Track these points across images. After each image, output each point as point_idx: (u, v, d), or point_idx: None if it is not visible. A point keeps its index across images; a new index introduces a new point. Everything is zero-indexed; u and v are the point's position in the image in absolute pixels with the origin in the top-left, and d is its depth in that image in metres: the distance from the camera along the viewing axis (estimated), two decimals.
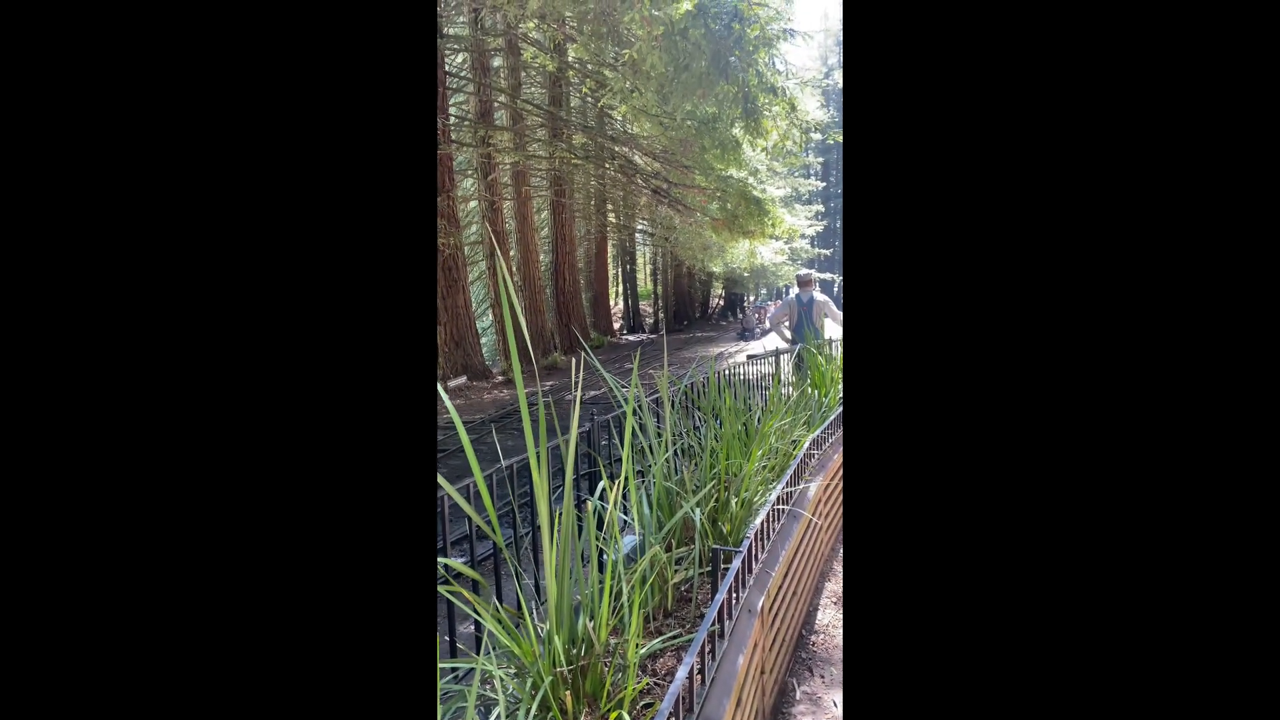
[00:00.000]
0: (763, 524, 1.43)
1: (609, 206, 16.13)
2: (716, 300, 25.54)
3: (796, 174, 18.16)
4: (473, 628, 1.81)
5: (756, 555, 1.37)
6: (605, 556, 1.21)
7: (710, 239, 11.33)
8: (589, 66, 8.02)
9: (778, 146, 6.49)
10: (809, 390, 3.04)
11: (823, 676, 1.67)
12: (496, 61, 10.79)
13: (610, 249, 18.84)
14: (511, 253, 11.70)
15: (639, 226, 18.17)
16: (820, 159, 29.66)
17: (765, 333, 14.58)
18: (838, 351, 3.60)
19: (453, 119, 9.25)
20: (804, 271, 4.41)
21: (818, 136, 6.79)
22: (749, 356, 4.14)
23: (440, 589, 1.05)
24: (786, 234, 9.94)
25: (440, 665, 1.01)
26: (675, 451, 1.82)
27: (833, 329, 4.31)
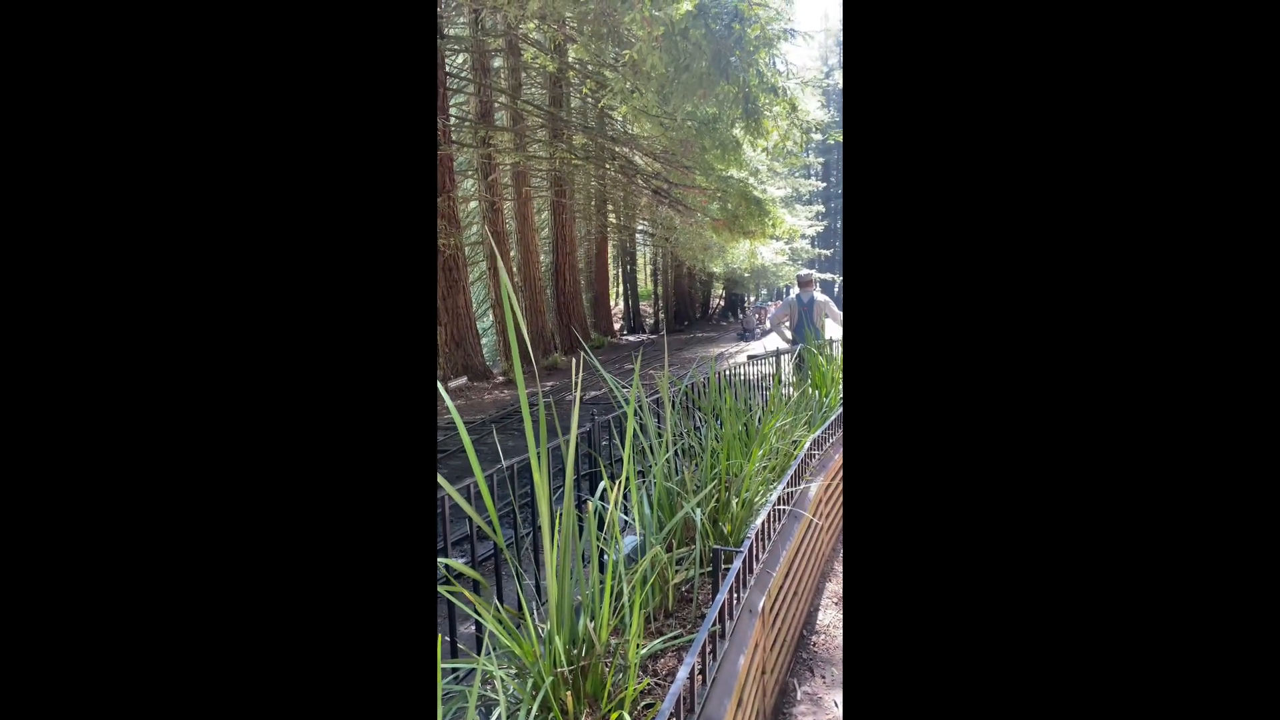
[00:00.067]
0: (763, 524, 1.43)
1: (609, 207, 16.13)
2: (717, 301, 25.54)
3: (797, 174, 18.16)
4: (473, 628, 1.81)
5: (757, 555, 1.37)
6: (606, 557, 1.21)
7: (711, 239, 11.33)
8: (589, 67, 8.02)
9: (778, 147, 6.49)
10: (809, 390, 3.04)
11: (824, 677, 1.66)
12: (497, 62, 10.80)
13: (611, 249, 18.84)
14: (512, 253, 11.70)
15: (639, 227, 18.17)
16: (820, 159, 29.65)
17: (766, 333, 14.58)
18: (838, 352, 3.60)
19: (453, 119, 9.26)
20: (804, 272, 4.41)
21: (818, 137, 6.79)
22: (749, 357, 4.14)
23: (441, 589, 1.05)
24: (787, 234, 9.94)
25: (441, 666, 1.01)
26: (676, 452, 1.82)
27: (833, 329, 4.31)
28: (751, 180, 8.02)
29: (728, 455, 1.67)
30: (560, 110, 11.09)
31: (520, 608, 1.13)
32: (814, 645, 1.82)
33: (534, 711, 0.93)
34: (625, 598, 1.16)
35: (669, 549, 1.50)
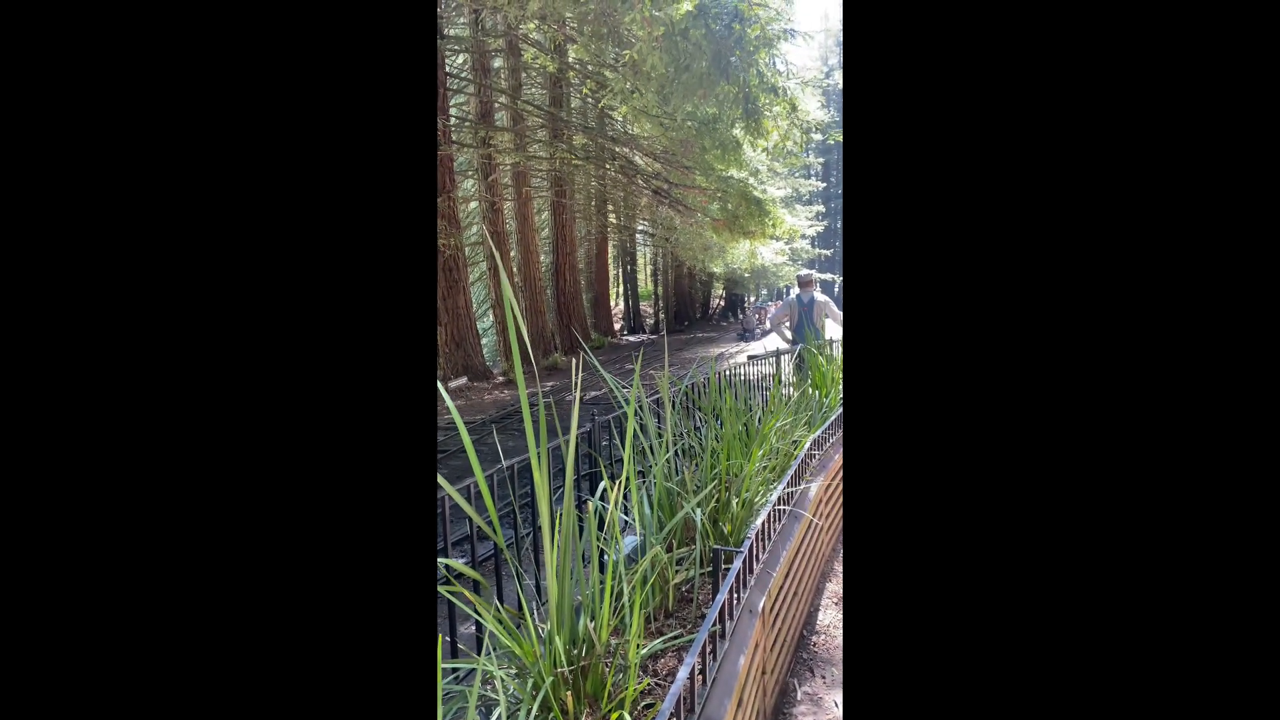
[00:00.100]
0: (764, 524, 1.43)
1: (609, 207, 16.13)
2: (717, 301, 25.54)
3: (797, 174, 18.16)
4: (474, 628, 1.81)
5: (757, 556, 1.37)
6: (606, 557, 1.21)
7: (711, 239, 11.33)
8: (589, 67, 8.02)
9: (778, 147, 6.49)
10: (809, 390, 3.04)
11: (824, 677, 1.66)
12: (497, 62, 10.80)
13: (611, 249, 18.84)
14: (512, 253, 11.71)
15: (639, 227, 18.17)
16: (821, 159, 29.64)
17: (766, 333, 14.58)
18: (838, 352, 3.60)
19: (453, 120, 9.26)
20: (804, 272, 4.41)
21: (818, 137, 6.79)
22: (750, 357, 4.14)
23: (441, 589, 1.05)
24: (787, 234, 9.94)
25: (441, 666, 1.01)
26: (676, 452, 1.82)
27: (833, 329, 4.31)
28: (752, 180, 8.02)
29: (728, 455, 1.67)
30: (560, 110, 11.09)
31: (520, 608, 1.13)
32: (814, 645, 1.82)
33: (534, 711, 0.93)
34: (625, 598, 1.16)
35: (669, 549, 1.50)
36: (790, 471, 1.76)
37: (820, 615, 1.97)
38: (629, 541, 1.57)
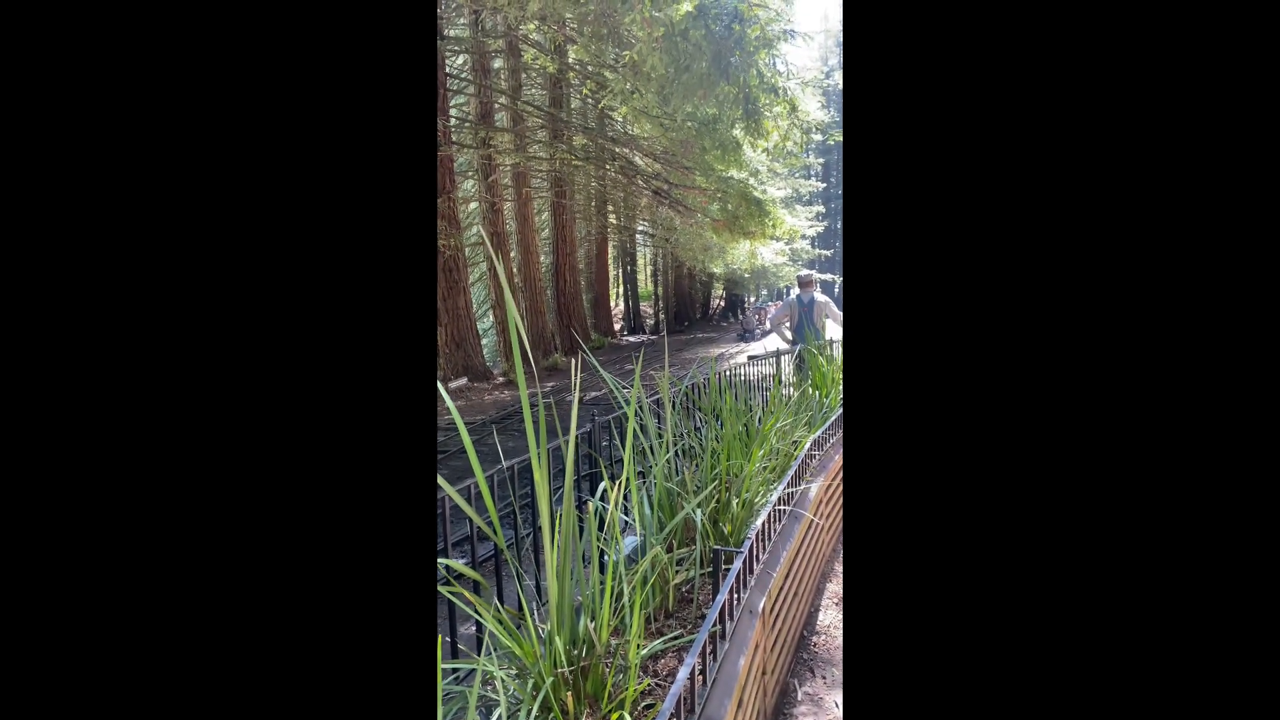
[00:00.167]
0: (764, 525, 1.43)
1: (610, 208, 16.13)
2: (717, 301, 25.54)
3: (797, 175, 18.15)
4: (474, 629, 1.81)
5: (757, 556, 1.37)
6: (606, 557, 1.21)
7: (711, 240, 11.33)
8: (589, 68, 8.03)
9: (778, 147, 6.49)
10: (810, 391, 3.04)
11: (824, 677, 1.66)
12: (497, 63, 10.80)
13: (611, 250, 18.84)
14: (512, 254, 11.71)
15: (640, 228, 18.17)
16: (821, 160, 29.65)
17: (766, 334, 14.57)
18: (838, 352, 3.60)
19: (453, 120, 9.26)
20: (804, 272, 4.41)
21: (818, 137, 6.79)
22: (750, 357, 4.14)
23: (441, 589, 1.05)
24: (787, 235, 9.94)
25: (441, 666, 1.01)
26: (676, 452, 1.82)
27: (833, 330, 4.31)
28: (752, 181, 8.02)
29: (728, 456, 1.67)
30: (560, 111, 11.10)
31: (521, 608, 1.13)
32: (814, 646, 1.82)
33: (534, 712, 0.93)
34: (625, 598, 1.16)
35: (669, 549, 1.50)
36: (790, 472, 1.76)
37: (820, 615, 1.97)
38: (629, 542, 1.57)
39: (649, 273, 25.12)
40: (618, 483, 1.29)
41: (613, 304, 19.30)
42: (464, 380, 8.53)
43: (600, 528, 1.43)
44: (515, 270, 11.52)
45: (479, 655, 1.06)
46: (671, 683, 1.10)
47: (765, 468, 1.84)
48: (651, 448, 1.61)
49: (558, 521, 1.07)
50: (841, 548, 2.40)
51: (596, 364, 1.61)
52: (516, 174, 11.21)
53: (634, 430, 1.37)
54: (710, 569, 1.39)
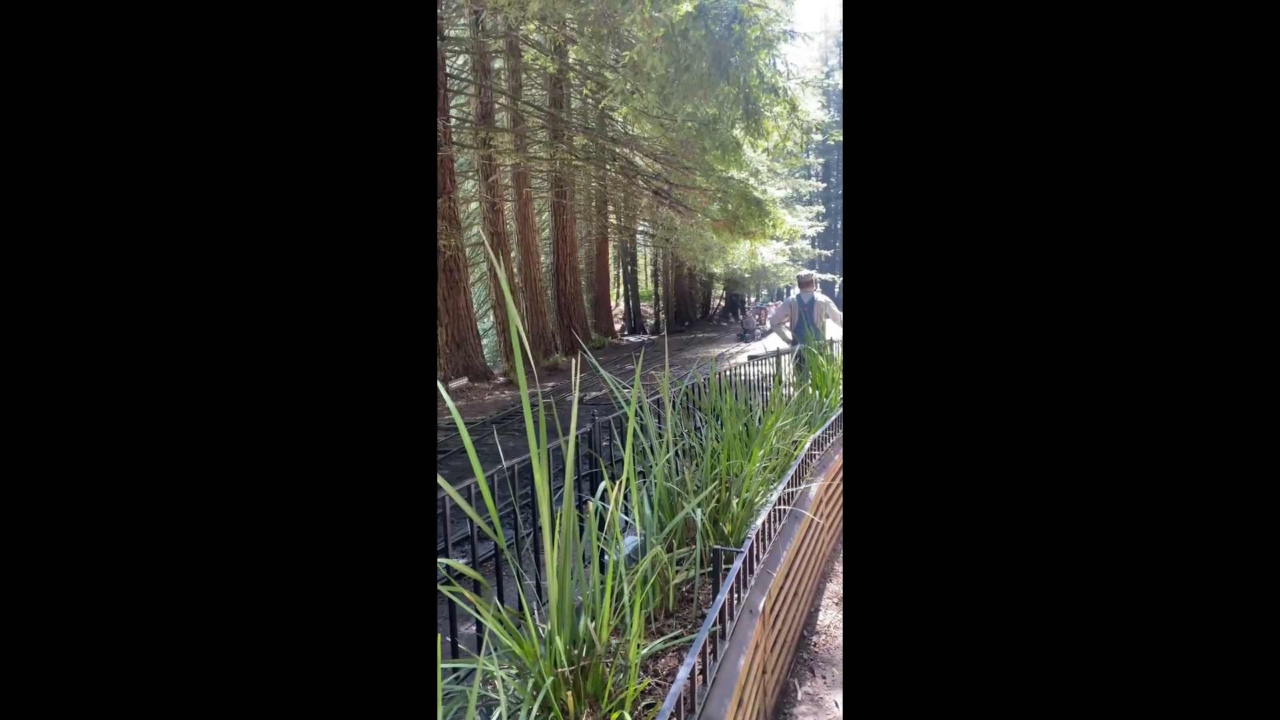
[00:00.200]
0: (764, 524, 1.43)
1: (610, 208, 16.14)
2: (717, 301, 25.54)
3: (797, 175, 18.15)
4: (474, 628, 1.81)
5: (758, 556, 1.37)
6: (606, 557, 1.21)
7: (711, 240, 11.33)
8: (590, 68, 8.03)
9: (778, 147, 6.49)
10: (810, 391, 3.04)
11: (824, 677, 1.66)
12: (497, 63, 10.80)
13: (611, 250, 18.85)
14: (513, 254, 11.71)
15: (640, 228, 18.18)
16: (821, 160, 29.65)
17: (766, 334, 14.57)
18: (838, 352, 3.60)
19: (454, 121, 9.27)
20: (805, 272, 4.41)
21: (818, 137, 6.79)
22: (750, 357, 4.14)
23: (442, 589, 1.05)
24: (787, 235, 9.94)
25: (442, 666, 1.01)
26: (676, 452, 1.82)
27: (833, 330, 4.31)
28: (752, 181, 8.02)
29: (728, 455, 1.67)
30: (561, 111, 11.10)
31: (521, 608, 1.13)
32: (814, 646, 1.82)
33: (534, 711, 0.94)
34: (626, 598, 1.16)
35: (669, 549, 1.50)
36: (790, 472, 1.76)
37: (820, 615, 1.97)
38: (629, 542, 1.57)
39: (649, 273, 25.13)
40: (618, 482, 1.29)
41: (613, 304, 19.30)
42: (464, 380, 8.53)
43: (600, 527, 1.43)
44: (516, 270, 11.53)
45: (479, 655, 1.07)
46: (671, 682, 1.10)
47: (765, 467, 1.84)
48: (652, 447, 1.61)
49: (558, 521, 1.07)
50: (841, 548, 2.40)
51: (597, 364, 1.61)
52: (517, 174, 11.21)
53: (634, 430, 1.37)
54: (710, 569, 1.39)
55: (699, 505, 1.49)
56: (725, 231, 8.70)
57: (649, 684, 1.12)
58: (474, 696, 0.83)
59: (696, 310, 23.37)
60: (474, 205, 12.03)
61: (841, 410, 2.62)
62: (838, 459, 2.35)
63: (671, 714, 0.84)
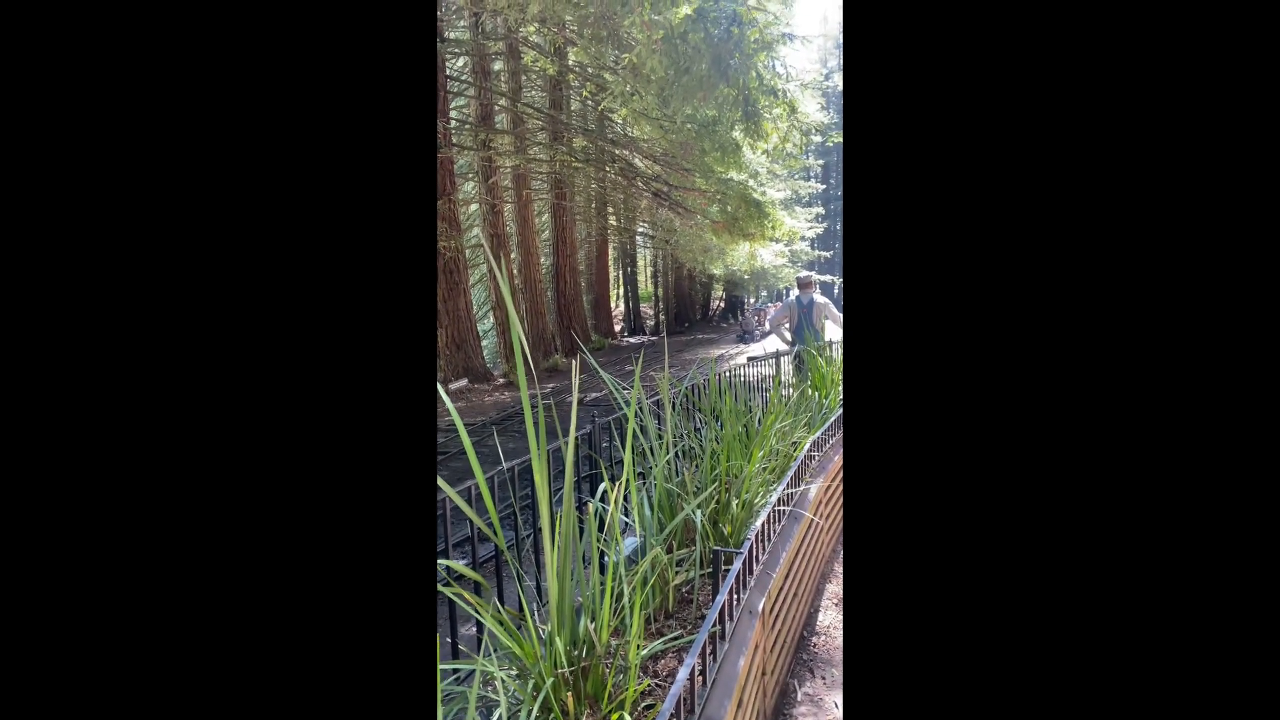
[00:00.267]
0: (763, 525, 1.43)
1: (610, 209, 16.15)
2: (717, 302, 25.55)
3: (797, 176, 18.16)
4: (474, 629, 1.81)
5: (757, 557, 1.38)
6: (606, 558, 1.21)
7: (711, 241, 11.34)
8: (589, 70, 8.04)
9: (778, 149, 6.50)
10: (809, 392, 3.04)
11: (824, 678, 1.66)
12: (497, 65, 10.82)
13: (611, 251, 18.86)
14: (513, 255, 11.72)
15: (640, 229, 18.19)
16: (820, 161, 29.69)
17: (765, 335, 14.57)
18: (838, 353, 3.61)
19: (453, 122, 9.28)
20: (804, 274, 4.42)
21: (818, 139, 6.81)
22: (749, 358, 4.14)
23: (442, 590, 1.05)
24: (786, 236, 9.95)
25: (441, 667, 1.01)
26: (676, 453, 1.82)
27: (833, 331, 4.32)
28: (751, 182, 8.03)
29: (728, 457, 1.68)
30: (560, 113, 11.11)
31: (521, 609, 1.13)
32: (814, 646, 1.82)
33: (534, 712, 0.94)
34: (626, 599, 1.16)
35: (669, 550, 1.50)
36: (790, 473, 1.76)
37: (820, 616, 1.97)
38: (629, 543, 1.57)
39: (649, 274, 25.14)
40: (618, 484, 1.29)
41: (613, 305, 19.31)
42: (464, 382, 8.53)
43: (600, 529, 1.43)
44: (515, 272, 11.53)
45: (479, 656, 1.07)
46: (671, 683, 1.10)
47: (765, 469, 1.84)
48: (651, 449, 1.61)
49: (558, 522, 1.08)
50: (841, 548, 2.41)
51: (596, 365, 1.61)
52: (517, 176, 11.22)
53: (634, 431, 1.37)
54: (710, 570, 1.40)
55: (699, 506, 1.49)
56: (725, 233, 8.71)
57: (649, 685, 1.12)
58: (474, 697, 0.83)
59: (696, 311, 23.38)
60: (474, 207, 12.04)
61: (841, 411, 2.62)
62: (837, 460, 2.35)
63: (671, 715, 0.84)
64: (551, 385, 8.68)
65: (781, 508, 1.63)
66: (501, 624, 1.06)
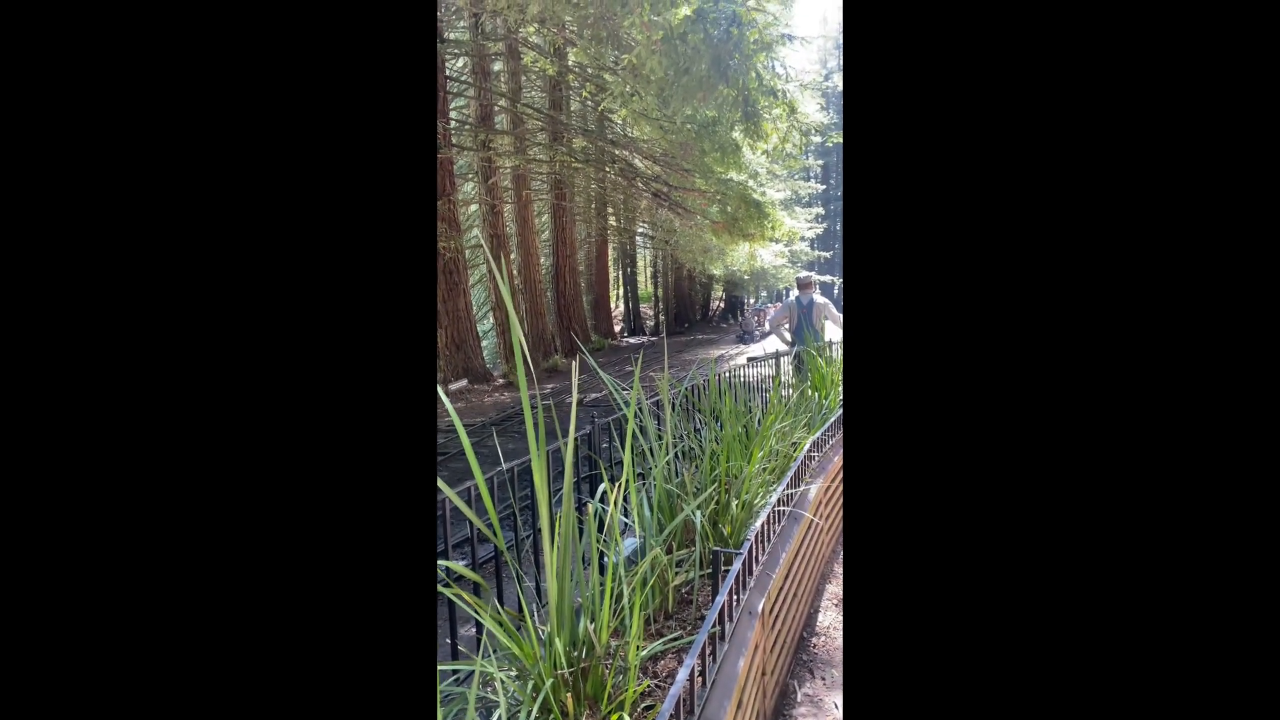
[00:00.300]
0: (763, 526, 1.43)
1: (609, 210, 16.15)
2: (717, 303, 25.57)
3: (796, 177, 18.17)
4: (474, 630, 1.81)
5: (757, 557, 1.38)
6: (606, 559, 1.21)
7: (710, 242, 11.35)
8: (589, 70, 8.05)
9: (777, 149, 6.51)
10: (809, 392, 3.04)
11: (824, 679, 1.66)
12: (497, 66, 10.83)
13: (611, 252, 18.87)
14: (513, 256, 11.72)
15: (639, 229, 18.20)
16: (820, 162, 29.72)
17: (765, 335, 14.57)
18: (838, 354, 3.61)
19: (453, 123, 9.28)
20: (804, 274, 4.42)
21: (817, 139, 6.82)
22: (749, 359, 4.15)
23: (442, 590, 1.05)
24: (786, 236, 9.96)
25: (441, 667, 1.01)
26: (676, 454, 1.82)
27: (833, 331, 4.32)
28: (751, 183, 8.04)
29: (727, 457, 1.68)
30: (560, 113, 11.12)
31: (520, 610, 1.13)
32: (814, 647, 1.82)
33: (534, 713, 0.94)
34: (625, 599, 1.16)
35: (669, 551, 1.50)
36: (790, 473, 1.76)
37: (820, 617, 1.97)
38: (629, 543, 1.57)
39: (649, 274, 25.15)
40: (617, 484, 1.29)
41: (613, 306, 19.32)
42: (464, 382, 8.53)
43: (600, 529, 1.43)
44: (515, 272, 11.53)
45: (478, 656, 1.07)
46: (671, 684, 1.10)
47: (765, 469, 1.84)
48: (651, 449, 1.61)
49: (557, 523, 1.08)
50: (841, 549, 2.40)
51: (596, 366, 1.61)
52: (516, 176, 11.22)
53: (633, 432, 1.37)
54: (710, 570, 1.39)
55: (698, 507, 1.49)
56: (724, 233, 8.71)
57: (648, 685, 1.12)
58: (473, 698, 0.83)
59: (696, 312, 23.40)
60: (473, 207, 12.04)
61: (841, 412, 2.63)
62: (837, 460, 2.35)
63: (671, 715, 0.84)
64: (551, 386, 8.68)
65: (781, 508, 1.63)
66: (501, 625, 1.06)
